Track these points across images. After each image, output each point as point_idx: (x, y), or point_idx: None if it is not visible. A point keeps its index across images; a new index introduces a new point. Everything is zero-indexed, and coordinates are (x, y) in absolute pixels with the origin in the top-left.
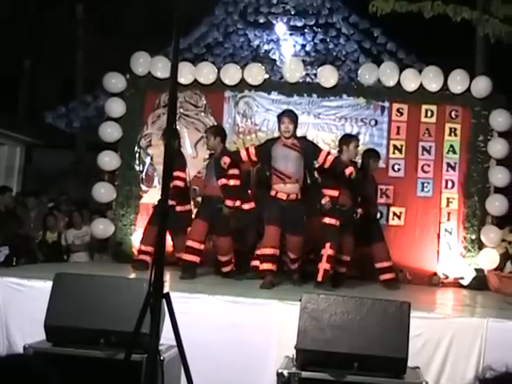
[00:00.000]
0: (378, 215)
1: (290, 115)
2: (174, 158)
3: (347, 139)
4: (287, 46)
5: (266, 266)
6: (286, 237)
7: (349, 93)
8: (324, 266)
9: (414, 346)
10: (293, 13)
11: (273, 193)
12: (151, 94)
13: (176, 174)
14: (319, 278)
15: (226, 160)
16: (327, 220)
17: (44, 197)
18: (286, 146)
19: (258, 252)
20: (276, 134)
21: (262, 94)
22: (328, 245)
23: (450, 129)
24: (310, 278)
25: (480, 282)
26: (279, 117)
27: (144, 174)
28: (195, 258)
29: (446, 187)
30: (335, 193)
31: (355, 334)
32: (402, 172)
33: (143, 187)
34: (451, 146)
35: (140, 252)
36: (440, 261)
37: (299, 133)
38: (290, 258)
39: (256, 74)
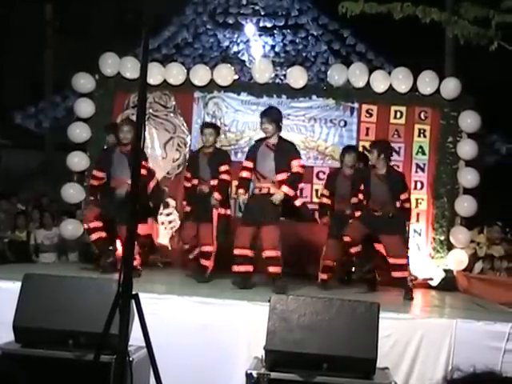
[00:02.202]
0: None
1: (267, 114)
2: (140, 157)
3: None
4: (257, 46)
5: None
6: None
7: (318, 94)
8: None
9: (383, 346)
10: (262, 14)
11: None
12: (120, 94)
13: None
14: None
15: None
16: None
17: (14, 198)
18: (266, 147)
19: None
20: (245, 135)
21: (232, 95)
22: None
23: (419, 130)
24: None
25: (449, 283)
26: (260, 117)
27: None
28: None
29: (415, 188)
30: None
31: (324, 334)
32: None
33: None
34: (420, 147)
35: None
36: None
37: None
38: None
39: (225, 74)
